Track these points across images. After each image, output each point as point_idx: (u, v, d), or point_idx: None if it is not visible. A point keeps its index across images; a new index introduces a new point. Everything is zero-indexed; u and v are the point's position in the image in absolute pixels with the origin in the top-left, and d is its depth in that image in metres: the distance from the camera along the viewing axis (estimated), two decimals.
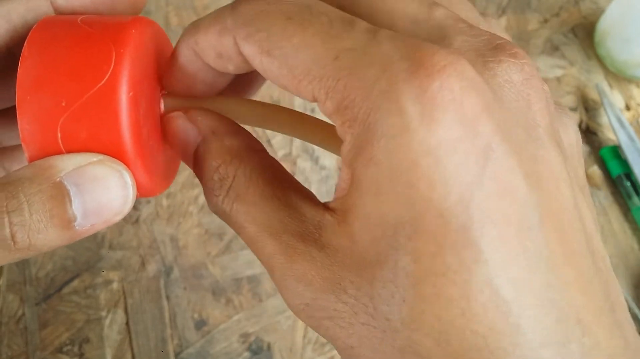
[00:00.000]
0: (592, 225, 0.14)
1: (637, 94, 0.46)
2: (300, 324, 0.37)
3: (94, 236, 0.38)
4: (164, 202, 0.40)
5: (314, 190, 0.40)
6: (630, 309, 0.39)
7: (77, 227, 0.15)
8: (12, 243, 0.14)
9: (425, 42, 0.12)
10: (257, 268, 0.38)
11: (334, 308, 0.13)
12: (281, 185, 0.15)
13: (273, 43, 0.13)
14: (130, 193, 0.15)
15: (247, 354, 0.36)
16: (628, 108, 0.46)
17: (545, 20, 0.49)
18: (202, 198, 0.40)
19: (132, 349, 0.35)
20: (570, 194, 0.13)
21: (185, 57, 0.16)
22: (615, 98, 0.46)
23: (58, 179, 0.14)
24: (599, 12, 0.49)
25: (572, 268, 0.12)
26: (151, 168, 0.16)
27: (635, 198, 0.41)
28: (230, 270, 0.38)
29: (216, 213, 0.15)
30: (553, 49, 0.48)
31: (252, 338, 0.36)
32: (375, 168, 0.12)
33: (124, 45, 0.15)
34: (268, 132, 0.42)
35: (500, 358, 0.11)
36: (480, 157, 0.12)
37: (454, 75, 0.12)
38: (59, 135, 0.15)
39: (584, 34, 0.49)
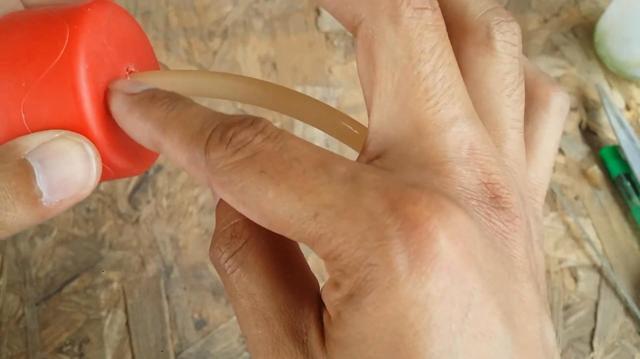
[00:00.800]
0: (553, 349, 0.14)
1: (637, 94, 0.46)
2: None
3: (94, 236, 0.38)
4: (164, 202, 0.40)
5: None
6: (630, 309, 0.39)
7: (44, 203, 0.15)
8: None
9: (407, 189, 0.12)
10: None
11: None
12: (289, 265, 0.15)
13: (248, 197, 0.13)
14: (94, 165, 0.15)
15: (247, 354, 0.36)
16: (628, 108, 0.46)
17: (545, 20, 0.49)
18: (202, 198, 0.40)
19: (132, 349, 0.35)
20: (538, 326, 0.14)
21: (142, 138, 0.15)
22: (615, 98, 0.46)
23: (22, 157, 0.14)
24: (599, 12, 0.49)
25: None
26: (118, 142, 0.16)
27: (635, 198, 0.41)
28: None
29: (214, 264, 0.15)
30: (553, 49, 0.48)
31: None
32: (362, 318, 0.12)
33: (77, 22, 0.16)
34: None
35: None
36: (463, 303, 0.12)
37: (439, 225, 0.12)
38: (23, 116, 0.15)
39: (584, 34, 0.49)
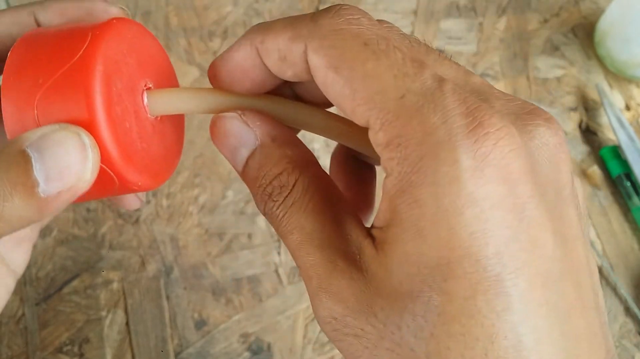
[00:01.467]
0: (598, 282, 0.15)
1: (637, 94, 0.46)
2: (300, 324, 0.37)
3: (94, 236, 0.38)
4: (164, 202, 0.40)
5: None
6: (630, 309, 0.39)
7: (41, 194, 0.15)
8: None
9: (483, 103, 0.13)
10: (257, 268, 0.38)
11: (362, 328, 0.14)
12: (331, 200, 0.16)
13: (344, 62, 0.14)
14: (90, 155, 0.15)
15: (247, 354, 0.36)
16: (628, 108, 0.46)
17: (545, 20, 0.49)
18: (202, 198, 0.40)
19: (132, 349, 0.35)
20: (584, 253, 0.14)
21: (245, 52, 0.16)
22: (615, 98, 0.46)
23: (23, 148, 0.15)
24: (599, 12, 0.49)
25: (583, 320, 0.13)
26: (128, 151, 0.16)
27: (635, 198, 0.41)
28: (230, 270, 0.38)
29: (265, 215, 0.16)
30: (553, 48, 0.48)
31: (252, 338, 0.36)
32: (419, 210, 0.13)
33: (100, 29, 0.16)
34: None
35: None
36: (517, 213, 0.13)
37: (506, 138, 0.13)
38: (35, 112, 0.15)
39: (584, 34, 0.49)
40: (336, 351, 0.36)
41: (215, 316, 0.37)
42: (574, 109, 0.46)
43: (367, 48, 0.14)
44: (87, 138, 0.15)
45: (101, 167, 0.16)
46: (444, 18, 0.48)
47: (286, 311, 0.37)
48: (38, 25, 0.19)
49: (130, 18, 0.19)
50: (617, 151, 0.43)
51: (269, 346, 0.36)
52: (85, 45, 0.16)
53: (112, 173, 0.16)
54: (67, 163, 0.15)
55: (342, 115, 0.16)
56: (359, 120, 0.14)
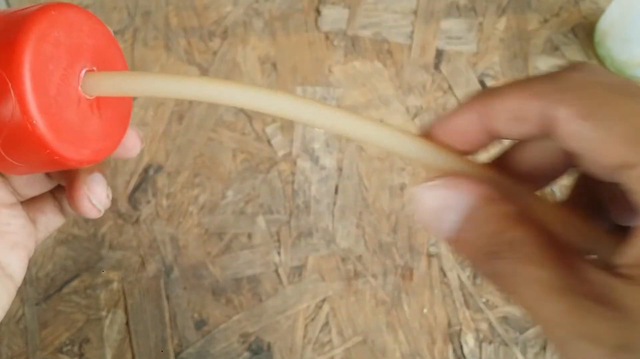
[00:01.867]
0: None
1: None
2: (300, 324, 0.37)
3: (94, 236, 0.38)
4: (164, 202, 0.40)
5: (313, 190, 0.40)
6: None
7: None
8: None
9: None
10: (257, 268, 0.38)
11: None
12: (557, 246, 0.16)
13: (594, 107, 0.14)
14: None
15: (247, 354, 0.36)
16: None
17: (545, 20, 0.49)
18: (202, 198, 0.40)
19: (132, 349, 0.35)
20: None
21: (468, 116, 0.17)
22: None
23: None
24: (599, 12, 0.49)
25: None
26: (48, 112, 0.17)
27: None
28: (230, 270, 0.38)
29: (490, 275, 0.16)
30: (553, 49, 0.48)
31: (252, 338, 0.36)
32: None
33: (40, 6, 0.17)
34: (268, 130, 0.42)
35: None
36: None
37: None
38: None
39: (584, 34, 0.49)
40: (336, 351, 0.36)
41: (215, 316, 0.37)
42: None
43: (616, 92, 0.14)
44: None
45: (3, 76, 0.16)
46: (444, 18, 0.48)
47: (286, 311, 0.37)
48: None
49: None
50: None
51: (269, 346, 0.36)
52: (22, 18, 0.16)
53: (11, 88, 0.16)
54: None
55: (586, 164, 0.16)
56: (613, 159, 0.14)
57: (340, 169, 0.41)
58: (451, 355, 0.37)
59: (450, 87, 0.45)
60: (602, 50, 0.47)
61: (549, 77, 0.16)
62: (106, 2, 0.46)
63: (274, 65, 0.45)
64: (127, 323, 0.36)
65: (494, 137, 0.17)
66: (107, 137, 0.20)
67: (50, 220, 0.27)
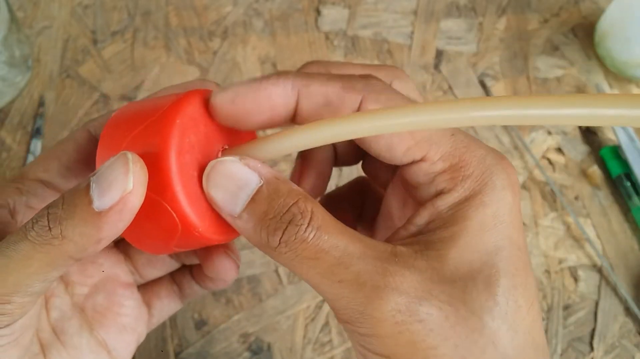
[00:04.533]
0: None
1: None
2: (300, 324, 0.37)
3: None
4: None
5: None
6: (630, 309, 0.39)
7: (96, 209, 0.16)
8: (49, 231, 0.16)
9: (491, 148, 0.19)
10: (257, 268, 0.38)
11: (426, 312, 0.16)
12: (343, 224, 0.17)
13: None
14: (131, 166, 0.16)
15: (247, 354, 0.36)
16: None
17: (545, 20, 0.49)
18: None
19: None
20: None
21: (283, 89, 0.18)
22: None
23: (89, 178, 0.17)
24: (599, 12, 0.49)
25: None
26: (189, 191, 0.18)
27: (635, 198, 0.41)
28: None
29: (284, 243, 0.16)
30: (553, 49, 0.48)
31: (252, 338, 0.36)
32: (484, 209, 0.17)
33: (185, 93, 0.18)
34: (268, 131, 0.42)
35: None
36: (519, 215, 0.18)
37: (512, 166, 0.19)
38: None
39: (584, 34, 0.49)
40: (336, 351, 0.36)
41: (215, 316, 0.37)
42: None
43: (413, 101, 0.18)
44: (130, 155, 0.17)
45: (164, 205, 0.17)
46: (444, 18, 0.48)
47: (286, 311, 0.37)
48: None
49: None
50: (617, 151, 0.43)
51: (269, 346, 0.36)
52: (165, 108, 0.18)
53: (172, 212, 0.17)
54: (113, 177, 0.16)
55: (386, 155, 0.18)
56: (415, 155, 0.18)
57: (340, 169, 0.41)
58: None
59: (450, 87, 0.45)
60: (602, 50, 0.47)
61: (360, 76, 0.18)
62: (106, 2, 0.46)
63: (274, 65, 0.45)
64: None
65: (289, 116, 0.18)
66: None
67: (166, 306, 0.26)
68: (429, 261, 0.17)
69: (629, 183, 0.42)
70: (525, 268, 0.17)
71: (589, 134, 0.45)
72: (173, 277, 0.26)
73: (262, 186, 0.17)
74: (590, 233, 0.41)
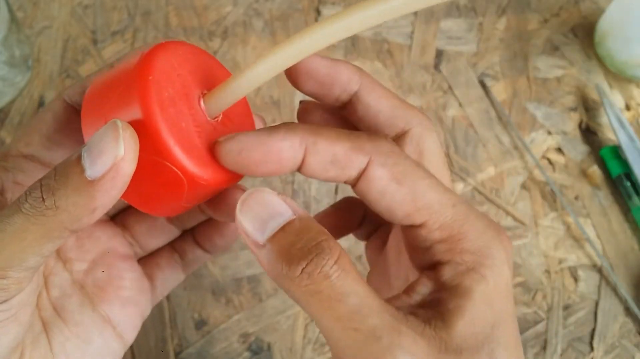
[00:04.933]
0: None
1: (637, 94, 0.46)
2: (300, 324, 0.37)
3: None
4: None
5: (313, 190, 0.40)
6: (630, 309, 0.39)
7: (88, 178, 0.16)
8: (42, 201, 0.16)
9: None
10: (257, 268, 0.38)
11: None
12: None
13: (406, 177, 0.18)
14: (121, 133, 0.16)
15: (247, 354, 0.36)
16: (628, 108, 0.46)
17: (545, 20, 0.49)
18: None
19: (132, 349, 0.35)
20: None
21: (291, 144, 0.18)
22: (615, 98, 0.46)
23: (80, 148, 0.17)
24: (599, 12, 0.49)
25: None
26: (184, 144, 0.18)
27: (635, 198, 0.41)
28: (230, 270, 0.38)
29: (307, 274, 0.16)
30: (553, 49, 0.48)
31: (252, 338, 0.36)
32: (486, 284, 0.18)
33: (150, 49, 0.18)
34: None
35: None
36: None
37: (510, 243, 0.20)
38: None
39: (584, 34, 0.49)
40: None
41: (215, 316, 0.37)
42: (574, 109, 0.46)
43: (421, 169, 0.18)
44: (119, 122, 0.16)
45: (164, 164, 0.17)
46: (444, 18, 0.48)
47: (286, 311, 0.37)
48: None
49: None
50: (617, 151, 0.43)
51: (269, 346, 0.36)
52: (137, 64, 0.18)
53: (175, 169, 0.17)
54: (103, 145, 0.16)
55: (386, 215, 0.19)
56: (415, 220, 0.18)
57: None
58: None
59: (450, 87, 0.45)
60: (602, 50, 0.47)
61: (367, 137, 0.18)
62: (106, 2, 0.46)
63: None
64: None
65: (295, 168, 0.18)
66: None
67: (168, 276, 0.26)
68: (437, 331, 0.17)
69: (629, 183, 0.42)
70: (518, 340, 0.19)
71: (588, 134, 0.45)
72: (174, 246, 0.26)
73: (294, 219, 0.17)
74: (590, 233, 0.41)
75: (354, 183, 0.19)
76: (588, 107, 0.46)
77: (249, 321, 0.37)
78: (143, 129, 0.17)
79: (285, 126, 0.18)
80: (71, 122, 0.21)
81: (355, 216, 0.27)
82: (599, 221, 0.42)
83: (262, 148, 0.18)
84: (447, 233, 0.18)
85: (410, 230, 0.19)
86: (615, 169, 0.42)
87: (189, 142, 0.18)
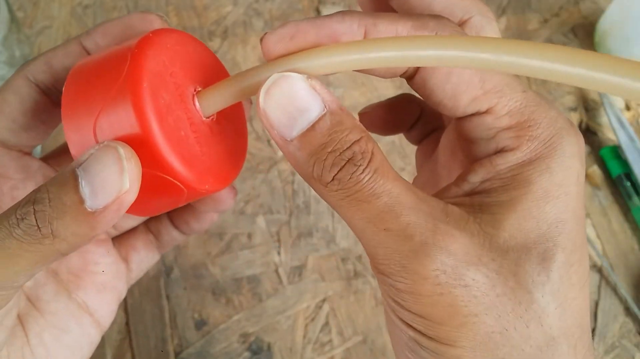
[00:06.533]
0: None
1: None
2: (300, 324, 0.37)
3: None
4: None
5: (313, 190, 0.40)
6: (630, 309, 0.39)
7: (89, 209, 0.15)
8: (38, 230, 0.15)
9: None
10: (257, 268, 0.38)
11: (473, 278, 0.15)
12: (397, 173, 0.16)
13: None
14: (125, 165, 0.15)
15: (247, 354, 0.36)
16: (628, 108, 0.46)
17: (545, 20, 0.49)
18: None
19: (132, 349, 0.35)
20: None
21: (349, 26, 0.16)
22: (615, 98, 0.46)
23: (73, 168, 0.16)
24: (599, 12, 0.49)
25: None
26: (186, 157, 0.17)
27: (635, 198, 0.41)
28: (230, 270, 0.38)
29: (337, 181, 0.15)
30: None
31: (252, 338, 0.36)
32: (550, 176, 0.16)
33: (138, 46, 0.17)
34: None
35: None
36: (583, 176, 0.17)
37: (583, 139, 0.17)
38: (95, 137, 0.17)
39: (584, 34, 0.49)
40: (336, 351, 0.36)
41: (215, 316, 0.37)
42: (574, 109, 0.46)
43: None
44: (122, 150, 0.15)
45: (165, 178, 0.17)
46: None
47: (286, 311, 0.37)
48: (87, 53, 0.20)
49: (168, 26, 0.19)
50: (617, 151, 0.43)
51: (269, 346, 0.36)
52: (127, 66, 0.16)
53: (177, 182, 0.17)
54: (106, 176, 0.15)
55: (448, 103, 0.17)
56: (481, 106, 0.17)
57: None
58: None
59: None
60: (602, 50, 0.47)
61: (430, 15, 0.17)
62: (106, 2, 0.46)
63: None
64: (127, 323, 0.36)
65: None
66: (233, 153, 0.20)
67: (144, 258, 0.25)
68: (482, 225, 0.16)
69: (629, 183, 0.42)
70: (583, 246, 0.16)
71: (588, 134, 0.45)
72: (148, 227, 0.25)
73: (325, 115, 0.15)
74: (590, 233, 0.41)
75: (414, 72, 0.17)
76: (588, 107, 0.46)
77: (249, 321, 0.37)
78: (142, 144, 0.16)
79: (341, 11, 0.17)
80: (38, 104, 0.20)
81: (410, 114, 0.25)
82: (599, 221, 0.42)
83: (319, 31, 0.16)
84: (516, 120, 0.17)
85: (471, 120, 0.17)
86: (615, 169, 0.42)
87: (189, 151, 0.17)
